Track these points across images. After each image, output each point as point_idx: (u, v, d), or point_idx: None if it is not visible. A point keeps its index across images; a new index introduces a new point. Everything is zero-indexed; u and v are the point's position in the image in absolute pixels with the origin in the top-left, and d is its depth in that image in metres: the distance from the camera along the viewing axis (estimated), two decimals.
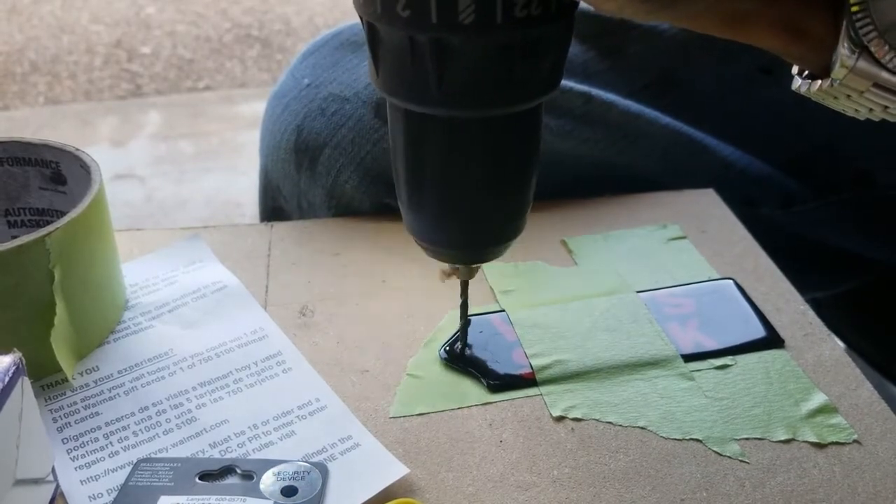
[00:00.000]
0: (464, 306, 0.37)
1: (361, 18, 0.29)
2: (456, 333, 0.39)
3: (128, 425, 0.34)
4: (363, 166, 0.47)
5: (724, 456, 0.33)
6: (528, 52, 0.28)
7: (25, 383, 0.27)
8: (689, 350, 0.38)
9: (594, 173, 0.50)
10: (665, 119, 0.51)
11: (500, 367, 0.37)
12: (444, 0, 0.26)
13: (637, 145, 0.50)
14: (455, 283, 0.36)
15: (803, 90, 0.27)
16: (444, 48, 0.27)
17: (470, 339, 0.38)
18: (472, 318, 0.39)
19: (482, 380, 0.37)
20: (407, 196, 0.32)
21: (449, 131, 0.30)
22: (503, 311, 0.41)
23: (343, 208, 0.49)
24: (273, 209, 0.56)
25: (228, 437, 0.34)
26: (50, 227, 0.34)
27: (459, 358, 0.38)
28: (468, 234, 0.32)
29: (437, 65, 0.28)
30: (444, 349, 0.38)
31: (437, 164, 0.30)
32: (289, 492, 0.31)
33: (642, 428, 0.34)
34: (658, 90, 0.52)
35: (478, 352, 0.38)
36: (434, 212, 0.32)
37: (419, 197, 0.32)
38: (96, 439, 0.34)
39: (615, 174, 0.51)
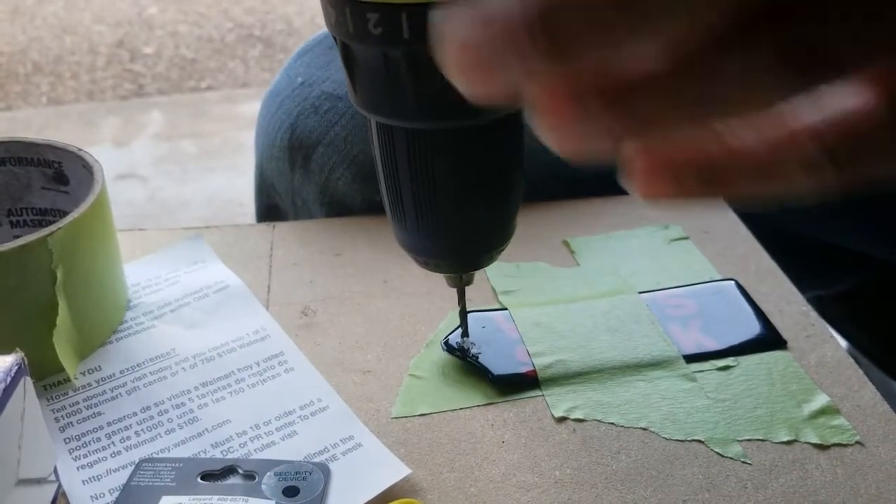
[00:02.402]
0: (462, 314, 0.37)
1: (335, 38, 0.29)
2: (457, 328, 0.38)
3: (130, 425, 0.34)
4: (356, 164, 0.48)
5: (727, 457, 0.33)
6: None
7: (28, 383, 0.27)
8: (691, 351, 0.38)
9: (588, 175, 0.50)
10: None
11: (503, 363, 0.37)
12: (415, 15, 0.26)
13: None
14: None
15: None
16: (418, 62, 0.27)
17: (472, 335, 0.38)
18: (475, 313, 0.39)
19: (485, 375, 0.36)
20: (393, 210, 0.32)
21: (430, 143, 0.30)
22: (505, 309, 0.41)
23: (336, 205, 0.49)
24: (268, 207, 0.56)
25: (230, 437, 0.34)
26: (52, 227, 0.34)
27: (460, 350, 0.37)
28: (458, 244, 0.33)
29: (412, 79, 0.28)
30: (445, 342, 0.38)
31: (420, 176, 0.30)
32: (291, 492, 0.31)
33: (644, 429, 0.34)
34: None
35: (480, 347, 0.38)
36: (422, 224, 0.32)
37: (405, 211, 0.32)
38: (98, 439, 0.34)
39: (611, 171, 0.51)
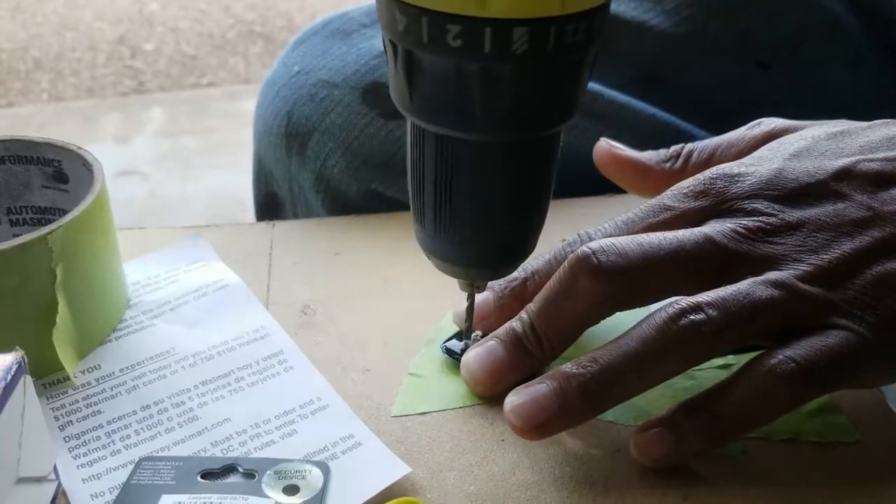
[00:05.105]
0: (469, 318, 0.37)
1: (394, 45, 0.28)
2: (458, 332, 0.38)
3: (129, 424, 0.34)
4: (351, 151, 0.48)
5: (726, 455, 0.33)
6: (570, 75, 0.28)
7: (28, 382, 0.27)
8: None
9: (583, 171, 0.50)
10: (651, 110, 0.51)
11: None
12: (499, 31, 0.26)
13: (623, 136, 0.50)
14: (454, 281, 0.36)
15: None
16: (493, 76, 0.27)
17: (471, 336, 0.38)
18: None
19: None
20: (431, 217, 0.32)
21: (485, 155, 0.30)
22: None
23: (332, 192, 0.49)
24: (266, 194, 0.57)
25: (230, 435, 0.34)
26: (52, 226, 0.34)
27: (461, 352, 0.38)
28: (489, 253, 0.33)
29: (483, 93, 0.27)
30: (445, 345, 0.38)
31: (469, 187, 0.31)
32: (290, 491, 0.31)
33: None
34: (646, 85, 0.52)
35: None
36: (455, 232, 0.32)
37: (444, 219, 0.32)
38: (98, 438, 0.34)
39: None
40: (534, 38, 0.26)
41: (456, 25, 0.26)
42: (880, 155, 0.33)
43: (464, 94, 0.28)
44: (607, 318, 0.39)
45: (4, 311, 0.34)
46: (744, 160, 0.36)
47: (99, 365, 0.37)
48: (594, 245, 0.32)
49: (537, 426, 0.31)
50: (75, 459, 0.33)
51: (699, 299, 0.31)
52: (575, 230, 0.37)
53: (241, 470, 0.32)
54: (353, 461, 0.32)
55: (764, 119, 0.39)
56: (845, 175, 0.33)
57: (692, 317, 0.30)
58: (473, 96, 0.28)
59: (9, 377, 0.26)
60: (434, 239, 0.33)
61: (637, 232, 0.35)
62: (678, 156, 0.40)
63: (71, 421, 0.34)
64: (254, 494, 0.30)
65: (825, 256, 0.31)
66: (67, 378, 0.36)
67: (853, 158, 0.34)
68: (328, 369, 0.37)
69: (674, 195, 0.35)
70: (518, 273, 0.37)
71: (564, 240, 0.37)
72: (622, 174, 0.41)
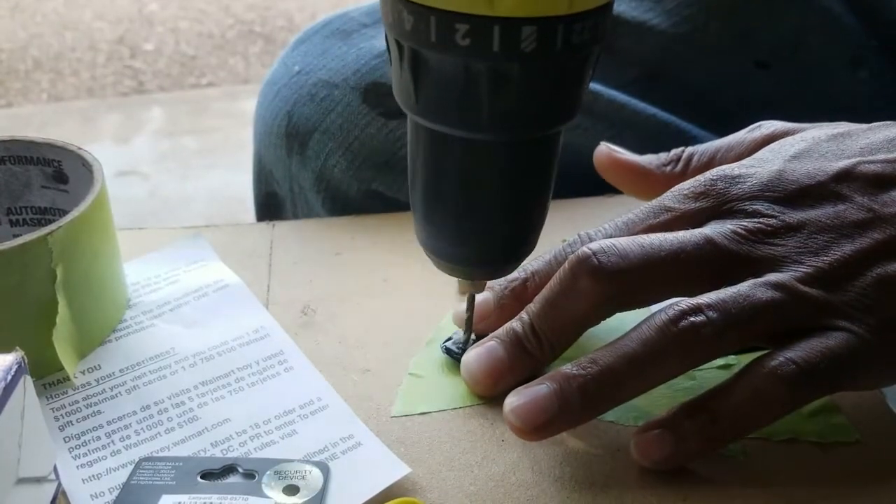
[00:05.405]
0: (469, 320, 0.37)
1: (399, 44, 0.28)
2: (456, 332, 0.38)
3: (129, 424, 0.34)
4: (351, 151, 0.48)
5: (726, 455, 0.33)
6: (576, 74, 0.28)
7: (28, 382, 0.27)
8: None
9: (583, 171, 0.50)
10: (651, 110, 0.51)
11: None
12: (508, 29, 0.26)
13: (624, 136, 0.50)
14: (454, 281, 0.36)
15: None
16: (501, 75, 0.27)
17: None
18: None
19: None
20: (432, 216, 0.32)
21: (488, 154, 0.30)
22: None
23: (332, 192, 0.49)
24: (266, 193, 0.57)
25: (230, 436, 0.34)
26: (52, 226, 0.34)
27: (460, 353, 0.38)
28: (491, 252, 0.33)
29: (491, 92, 0.27)
30: (445, 345, 0.38)
31: (471, 186, 0.31)
32: (290, 491, 0.31)
33: None
34: (647, 84, 0.53)
35: None
36: (458, 231, 0.32)
37: (445, 216, 0.32)
38: (98, 438, 0.34)
39: None
40: (542, 37, 0.26)
41: (464, 24, 0.26)
42: (880, 157, 0.33)
43: (471, 93, 0.28)
44: (607, 319, 0.40)
45: (4, 311, 0.34)
46: (744, 162, 0.36)
47: (99, 365, 0.37)
48: (595, 246, 0.32)
49: (537, 427, 0.31)
50: (75, 460, 0.33)
51: (699, 301, 0.31)
52: (575, 230, 0.37)
53: (241, 470, 0.32)
54: (352, 461, 0.32)
55: (764, 122, 0.39)
56: (845, 177, 0.33)
57: (692, 319, 0.30)
58: (481, 96, 0.28)
59: (9, 377, 0.26)
60: (434, 237, 0.33)
61: (637, 233, 0.35)
62: (678, 159, 0.40)
63: (71, 421, 0.34)
64: (254, 495, 0.30)
65: (825, 258, 0.31)
66: (67, 378, 0.36)
67: (853, 160, 0.34)
68: (328, 369, 0.37)
69: (674, 196, 0.35)
70: (518, 273, 0.37)
71: (565, 240, 0.37)
72: (622, 178, 0.41)
